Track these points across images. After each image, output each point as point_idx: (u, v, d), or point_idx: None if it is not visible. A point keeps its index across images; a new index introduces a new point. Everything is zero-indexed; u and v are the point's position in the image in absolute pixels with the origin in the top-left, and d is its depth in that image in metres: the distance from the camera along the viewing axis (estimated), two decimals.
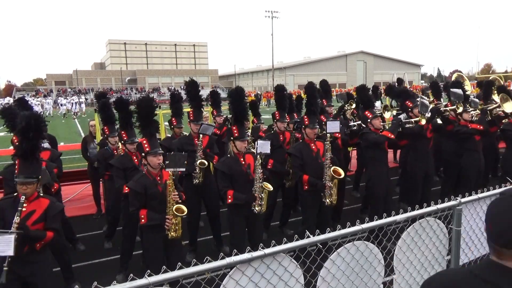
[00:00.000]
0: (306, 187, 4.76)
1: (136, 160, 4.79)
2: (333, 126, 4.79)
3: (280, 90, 6.15)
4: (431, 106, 6.31)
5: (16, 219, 3.17)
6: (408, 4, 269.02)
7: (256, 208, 4.26)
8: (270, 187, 4.29)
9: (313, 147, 4.85)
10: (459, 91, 6.17)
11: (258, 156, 4.27)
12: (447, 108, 6.29)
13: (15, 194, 3.36)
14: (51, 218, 3.40)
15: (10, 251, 3.01)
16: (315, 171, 4.73)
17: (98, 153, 5.90)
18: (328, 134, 4.78)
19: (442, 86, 8.79)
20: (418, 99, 6.06)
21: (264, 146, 4.28)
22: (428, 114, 5.85)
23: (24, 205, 3.27)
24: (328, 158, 4.70)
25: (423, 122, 5.50)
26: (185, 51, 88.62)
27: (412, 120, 5.68)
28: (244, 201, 4.24)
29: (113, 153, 5.55)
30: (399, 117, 5.69)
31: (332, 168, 4.66)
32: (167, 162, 3.77)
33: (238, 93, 4.69)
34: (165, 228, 3.83)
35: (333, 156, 4.81)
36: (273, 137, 5.80)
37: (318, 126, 4.91)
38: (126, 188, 4.60)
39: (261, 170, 4.29)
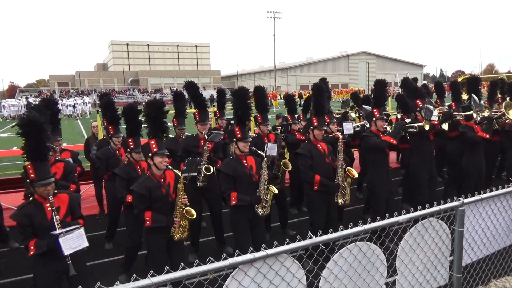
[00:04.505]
0: (317, 187, 4.72)
1: (139, 170, 4.71)
2: (348, 128, 4.93)
3: (260, 91, 5.89)
4: (442, 108, 6.28)
5: (57, 217, 3.29)
6: (410, 4, 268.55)
7: (260, 210, 4.25)
8: (275, 190, 4.29)
9: (320, 147, 4.85)
10: (432, 107, 6.06)
11: (266, 158, 4.28)
12: (460, 113, 6.22)
13: (31, 198, 3.44)
14: (75, 208, 3.61)
15: (85, 243, 3.25)
16: (324, 171, 4.73)
17: (100, 152, 5.90)
18: (341, 135, 4.85)
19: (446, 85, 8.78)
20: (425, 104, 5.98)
21: (272, 149, 4.34)
22: (435, 118, 5.82)
23: (47, 204, 3.38)
24: (341, 158, 4.73)
25: (427, 127, 5.41)
26: (187, 52, 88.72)
27: (416, 125, 5.55)
28: (249, 203, 4.23)
29: (115, 153, 5.56)
30: (402, 121, 5.61)
31: (346, 168, 4.70)
32: (184, 167, 3.85)
33: (242, 93, 4.66)
34: (169, 229, 3.83)
35: (345, 156, 4.86)
36: (258, 141, 5.75)
37: (325, 128, 4.92)
38: (129, 198, 4.52)
39: (267, 172, 4.29)
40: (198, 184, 5.12)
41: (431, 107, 5.76)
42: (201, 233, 5.47)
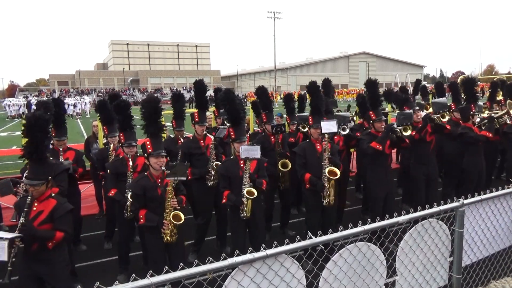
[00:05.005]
0: (308, 186, 4.75)
1: (129, 165, 4.71)
2: (328, 126, 4.64)
3: (263, 91, 6.05)
4: (423, 114, 6.20)
5: (21, 219, 3.21)
6: (410, 5, 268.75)
7: (242, 214, 4.25)
8: (254, 194, 4.21)
9: (318, 147, 4.83)
10: (443, 100, 6.03)
11: (247, 161, 4.23)
12: (435, 116, 6.05)
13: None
14: (58, 219, 3.37)
15: (3, 256, 3.02)
16: (317, 171, 4.71)
17: (98, 152, 5.93)
18: (326, 135, 4.70)
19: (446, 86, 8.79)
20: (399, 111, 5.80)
21: (250, 151, 4.20)
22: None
23: (35, 204, 3.33)
24: (326, 158, 4.66)
25: (408, 132, 5.20)
26: (187, 52, 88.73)
27: (398, 129, 5.40)
28: (233, 203, 4.25)
29: (112, 152, 5.56)
30: (390, 124, 5.52)
31: (328, 169, 4.62)
32: (168, 171, 3.71)
33: (229, 95, 4.67)
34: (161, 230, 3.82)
35: (333, 156, 4.77)
36: (264, 140, 5.78)
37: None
38: (112, 192, 4.66)
39: (248, 175, 4.25)
40: (209, 184, 5.14)
41: (408, 111, 5.42)
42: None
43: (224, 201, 4.33)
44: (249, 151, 4.21)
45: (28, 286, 3.36)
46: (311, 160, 4.77)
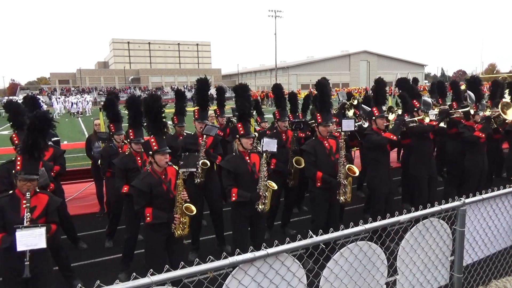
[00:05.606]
0: (319, 184, 4.74)
1: (139, 162, 4.77)
2: (348, 125, 4.86)
3: (278, 89, 6.10)
4: (442, 107, 6.31)
5: (27, 214, 3.23)
6: (412, 3, 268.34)
7: (260, 207, 4.23)
8: (275, 186, 4.27)
9: (326, 144, 4.84)
10: (429, 100, 6.12)
11: (264, 154, 4.25)
12: (457, 110, 6.24)
13: (10, 192, 3.41)
14: (51, 212, 3.51)
15: (42, 244, 3.06)
16: (328, 169, 4.73)
17: (103, 150, 5.93)
18: (342, 132, 4.82)
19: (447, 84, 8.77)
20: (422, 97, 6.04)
21: (270, 144, 4.25)
22: (432, 114, 5.82)
23: (24, 201, 3.31)
24: (343, 156, 4.72)
25: (427, 120, 5.46)
26: (188, 51, 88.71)
27: (416, 118, 5.60)
28: (249, 199, 4.21)
29: (118, 150, 5.57)
30: (401, 117, 5.62)
31: (347, 166, 4.68)
32: (181, 163, 3.79)
33: (243, 90, 4.66)
34: (170, 226, 3.82)
35: (347, 154, 4.83)
36: (276, 137, 5.78)
37: (331, 124, 4.91)
38: (125, 188, 4.63)
39: (266, 168, 4.27)
40: (196, 181, 5.11)
41: (428, 99, 5.81)
42: (201, 231, 5.46)
43: (234, 198, 4.24)
44: (270, 144, 4.25)
45: (7, 283, 3.35)
46: (321, 158, 4.76)
